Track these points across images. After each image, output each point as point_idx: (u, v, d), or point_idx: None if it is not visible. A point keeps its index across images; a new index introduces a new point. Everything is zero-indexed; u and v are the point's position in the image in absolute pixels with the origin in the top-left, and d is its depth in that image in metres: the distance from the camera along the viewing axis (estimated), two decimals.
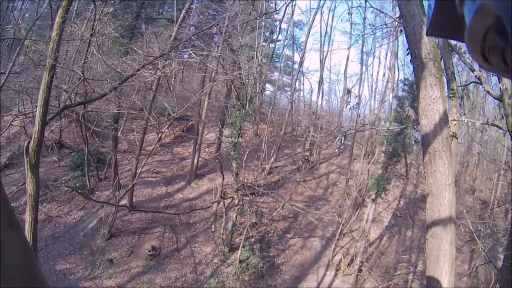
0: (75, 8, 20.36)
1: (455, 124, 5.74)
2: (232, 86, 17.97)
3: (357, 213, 19.12)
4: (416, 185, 23.55)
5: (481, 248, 12.59)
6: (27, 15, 27.82)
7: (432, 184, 5.50)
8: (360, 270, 17.04)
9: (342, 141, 25.88)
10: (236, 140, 16.23)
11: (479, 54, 0.63)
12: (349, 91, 21.85)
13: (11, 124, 17.50)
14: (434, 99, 5.37)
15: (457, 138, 5.60)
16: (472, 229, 13.41)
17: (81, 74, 12.87)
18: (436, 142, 5.41)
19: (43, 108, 8.69)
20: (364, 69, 28.79)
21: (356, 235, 18.25)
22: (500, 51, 0.59)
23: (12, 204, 14.24)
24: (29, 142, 8.69)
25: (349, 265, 17.32)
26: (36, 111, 10.00)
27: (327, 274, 17.32)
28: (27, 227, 8.80)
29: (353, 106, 20.33)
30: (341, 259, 17.65)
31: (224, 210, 17.67)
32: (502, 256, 17.05)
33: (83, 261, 16.51)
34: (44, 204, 18.64)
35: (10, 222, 2.68)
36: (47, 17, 19.81)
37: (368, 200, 18.09)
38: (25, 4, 27.18)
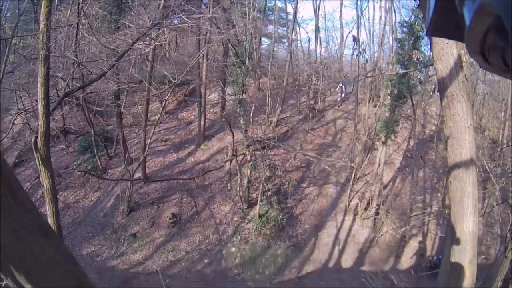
0: None
1: (465, 66, 5.69)
2: (229, 44, 17.71)
3: (368, 156, 19.18)
4: (424, 126, 23.50)
5: (496, 188, 12.72)
6: (8, 14, 27.35)
7: (451, 127, 5.52)
8: (377, 214, 17.29)
9: (343, 89, 25.57)
10: (240, 97, 16.09)
11: (479, 54, 0.63)
12: (354, 38, 21.35)
13: (14, 123, 17.43)
14: (447, 43, 5.32)
15: (467, 80, 5.56)
16: (488, 169, 13.53)
17: (75, 59, 12.70)
18: (453, 86, 5.40)
19: (44, 100, 8.51)
20: (359, 13, 28.11)
21: (369, 178, 18.38)
22: (500, 51, 0.59)
23: None
24: (36, 137, 8.59)
25: (366, 209, 17.56)
26: (36, 105, 9.90)
27: (345, 220, 17.57)
28: (50, 220, 8.82)
29: (360, 52, 19.95)
30: (358, 203, 17.91)
31: (237, 168, 17.77)
32: None
33: (107, 241, 16.86)
34: (60, 193, 18.74)
35: (44, 233, 2.80)
36: (29, 11, 19.41)
37: (378, 143, 18.08)
38: (4, 4, 26.65)
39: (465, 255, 5.79)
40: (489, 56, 0.62)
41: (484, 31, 0.59)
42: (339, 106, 25.63)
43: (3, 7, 26.25)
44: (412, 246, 16.65)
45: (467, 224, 5.66)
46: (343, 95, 25.83)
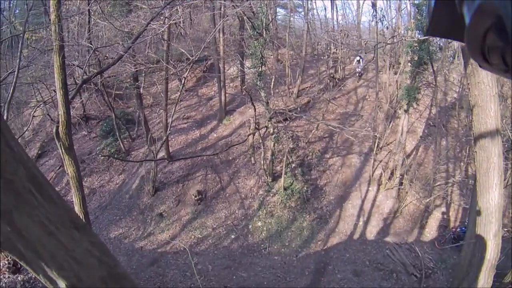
0: None
1: None
2: (244, 17, 17.54)
3: (390, 125, 18.98)
4: (445, 93, 23.05)
5: None
6: (17, 11, 27.69)
7: (477, 95, 5.39)
8: (401, 183, 17.19)
9: (361, 63, 24.55)
10: (260, 70, 15.95)
11: (479, 54, 0.63)
12: (373, 5, 20.82)
13: (34, 116, 17.66)
14: None
15: None
16: (511, 139, 13.24)
17: (90, 45, 12.71)
18: None
19: (63, 90, 8.61)
20: None
21: (392, 148, 18.16)
22: (500, 51, 0.59)
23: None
24: (57, 127, 8.73)
25: (389, 179, 17.44)
26: (55, 95, 9.98)
27: (369, 190, 17.54)
28: (77, 208, 9.11)
29: (379, 19, 19.52)
30: (381, 173, 17.76)
31: (260, 141, 17.85)
32: None
33: (134, 222, 17.21)
34: (85, 179, 19.22)
35: (75, 226, 2.84)
36: (38, 5, 19.47)
37: (400, 111, 17.86)
38: (12, 1, 26.84)
39: (490, 228, 5.74)
40: (489, 56, 0.62)
41: (484, 31, 0.59)
42: (358, 82, 24.85)
43: (11, 5, 26.65)
44: (436, 217, 16.54)
45: (493, 196, 5.58)
46: (360, 69, 24.96)
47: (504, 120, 15.72)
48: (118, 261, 3.35)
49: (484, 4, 0.57)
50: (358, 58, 24.36)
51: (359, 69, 24.75)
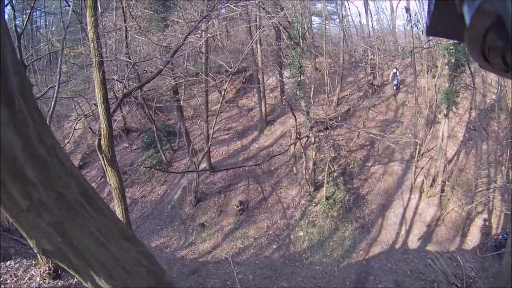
0: (99, 4, 20.67)
1: None
2: (280, 28, 17.70)
3: (431, 131, 18.75)
4: (484, 95, 22.52)
5: None
6: (53, 28, 28.54)
7: None
8: (442, 190, 16.86)
9: (397, 75, 23.42)
10: (299, 79, 16.03)
11: (479, 54, 0.64)
12: (407, 9, 20.57)
13: (75, 129, 18.20)
14: None
15: None
16: None
17: (129, 60, 13.06)
18: None
19: (104, 104, 8.90)
20: None
21: (434, 154, 17.91)
22: (500, 51, 0.60)
23: None
24: (99, 139, 8.99)
25: (431, 186, 17.17)
26: (95, 108, 10.31)
27: (411, 198, 17.29)
28: (120, 218, 9.31)
29: (414, 23, 19.28)
30: (423, 180, 17.49)
31: (302, 150, 17.87)
32: None
33: (176, 232, 17.46)
34: (127, 189, 19.29)
35: (124, 236, 3.05)
36: (74, 22, 20.14)
37: (440, 116, 17.64)
38: (48, 19, 27.72)
39: None
40: (489, 56, 0.63)
41: (484, 31, 0.60)
42: (396, 96, 23.60)
43: (47, 23, 27.59)
44: (478, 224, 16.14)
45: None
46: (397, 81, 23.69)
47: None
48: (165, 271, 3.55)
49: (484, 4, 0.58)
50: (394, 70, 23.57)
51: (396, 82, 23.70)
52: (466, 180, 17.34)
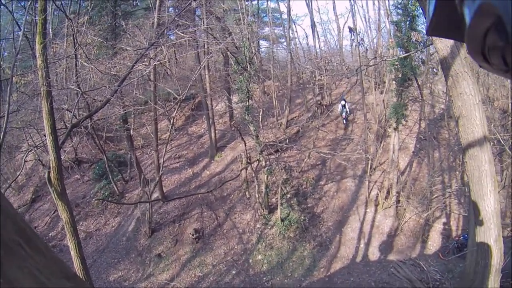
0: (50, 30, 20.20)
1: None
2: (228, 53, 17.79)
3: (382, 145, 19.07)
4: (432, 105, 23.31)
5: None
6: (5, 54, 27.81)
7: (460, 106, 5.45)
8: (398, 201, 17.15)
9: (346, 107, 22.20)
10: (247, 104, 16.10)
11: (479, 54, 0.63)
12: (351, 29, 21.03)
13: (26, 160, 17.60)
14: None
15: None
16: (502, 140, 13.35)
17: (78, 89, 12.77)
18: (456, 64, 5.31)
19: (52, 135, 8.62)
20: (352, 2, 27.98)
21: (386, 167, 18.23)
22: (500, 51, 0.59)
23: (50, 233, 14.65)
24: (49, 172, 8.64)
25: (386, 198, 17.39)
26: (45, 140, 9.97)
27: (367, 212, 17.47)
28: (73, 253, 8.97)
29: (359, 42, 19.73)
30: (378, 194, 17.79)
31: (253, 175, 17.85)
32: None
33: (133, 264, 16.93)
34: (81, 223, 19.14)
35: (65, 276, 2.80)
36: (26, 48, 19.66)
37: (390, 130, 18.01)
38: (1, 43, 27.04)
39: (490, 234, 5.74)
40: (489, 56, 0.62)
41: (484, 31, 0.59)
42: (345, 130, 22.59)
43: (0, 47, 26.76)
44: (437, 229, 16.48)
45: (488, 203, 5.59)
46: (345, 114, 22.56)
47: (492, 124, 15.85)
48: None
49: (484, 4, 0.57)
50: (342, 102, 22.45)
51: (345, 114, 22.62)
52: (421, 189, 17.74)
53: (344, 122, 22.83)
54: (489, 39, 0.59)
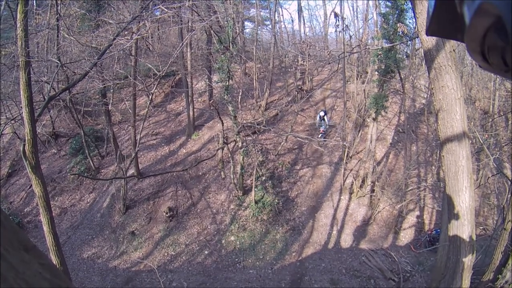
0: (34, 1, 19.65)
1: None
2: (212, 31, 17.55)
3: (360, 134, 19.19)
4: (413, 99, 23.54)
5: (490, 159, 12.73)
6: None
7: (441, 99, 5.45)
8: (372, 191, 17.44)
9: (325, 119, 20.66)
10: (227, 84, 15.95)
11: (479, 54, 0.63)
12: (336, 15, 20.79)
13: (2, 134, 17.16)
14: None
15: (455, 51, 5.48)
16: (481, 140, 13.55)
17: (58, 61, 12.44)
18: (440, 57, 5.30)
19: (29, 107, 8.40)
20: None
21: (362, 156, 18.36)
22: (500, 51, 0.58)
23: (25, 209, 14.38)
24: (24, 145, 8.49)
25: (361, 187, 17.64)
26: (22, 112, 9.78)
27: (341, 199, 17.68)
28: (45, 228, 8.86)
29: (342, 28, 19.58)
30: (353, 182, 17.99)
31: (229, 155, 17.79)
32: (508, 165, 17.45)
33: (107, 241, 16.84)
34: (56, 198, 18.92)
35: (25, 248, 2.69)
36: (8, 18, 19.06)
37: (369, 120, 18.11)
38: None
39: (463, 230, 5.79)
40: (489, 56, 0.61)
41: (484, 31, 0.59)
42: (320, 145, 19.46)
43: None
44: (410, 221, 16.81)
45: (463, 199, 5.63)
46: (324, 128, 20.85)
47: (472, 123, 16.11)
48: (71, 283, 3.18)
49: (484, 4, 0.56)
50: (321, 113, 20.89)
51: (323, 128, 20.89)
52: (396, 180, 18.00)
53: (321, 136, 20.38)
54: (488, 39, 0.59)
